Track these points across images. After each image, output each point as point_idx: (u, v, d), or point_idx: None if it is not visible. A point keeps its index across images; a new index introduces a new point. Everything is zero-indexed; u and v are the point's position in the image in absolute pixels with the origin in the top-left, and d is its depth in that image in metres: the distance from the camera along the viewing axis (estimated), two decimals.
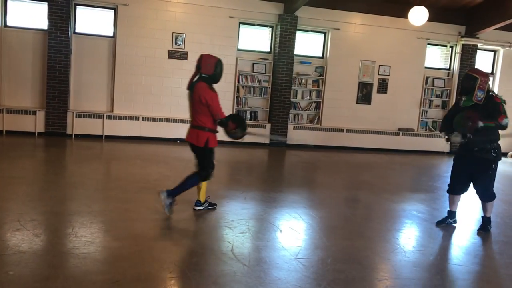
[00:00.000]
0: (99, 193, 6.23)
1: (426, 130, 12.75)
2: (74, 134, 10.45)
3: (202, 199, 5.59)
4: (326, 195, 7.17)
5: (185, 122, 10.97)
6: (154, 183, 6.73)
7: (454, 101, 12.55)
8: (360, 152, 11.78)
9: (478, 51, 12.61)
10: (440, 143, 12.68)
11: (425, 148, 12.53)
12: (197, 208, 5.56)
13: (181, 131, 11.00)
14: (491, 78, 13.21)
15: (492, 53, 13.16)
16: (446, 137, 5.62)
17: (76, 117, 10.44)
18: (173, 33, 10.83)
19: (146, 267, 3.85)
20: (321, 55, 12.00)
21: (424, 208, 6.67)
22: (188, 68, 10.98)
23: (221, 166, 9.14)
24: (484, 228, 5.67)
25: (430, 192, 7.93)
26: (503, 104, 5.31)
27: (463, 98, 5.40)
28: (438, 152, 12.62)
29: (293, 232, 5.11)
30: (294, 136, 11.61)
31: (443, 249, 5.07)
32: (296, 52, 11.48)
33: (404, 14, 10.66)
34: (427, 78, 12.57)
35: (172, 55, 10.90)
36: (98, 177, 7.32)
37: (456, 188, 5.65)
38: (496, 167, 5.48)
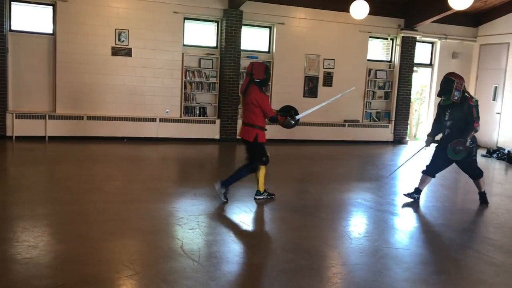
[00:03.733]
0: (42, 196, 6.02)
1: (370, 121, 13.14)
2: (15, 136, 10.01)
3: (261, 189, 6.16)
4: (275, 188, 7.23)
5: (132, 120, 10.79)
6: (100, 184, 6.59)
7: (396, 92, 13.07)
8: (308, 145, 11.99)
9: (417, 43, 13.10)
10: (384, 133, 13.15)
11: (370, 138, 12.91)
12: (258, 197, 6.15)
13: (128, 129, 10.84)
14: (429, 69, 13.80)
15: (430, 44, 13.73)
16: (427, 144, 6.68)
17: (16, 118, 10.00)
18: (116, 29, 10.58)
19: (93, 269, 3.77)
20: (267, 50, 12.09)
21: (369, 196, 6.89)
22: (132, 64, 10.80)
23: (170, 163, 9.09)
24: (484, 201, 6.51)
25: (375, 180, 8.19)
26: (476, 107, 6.02)
27: (442, 98, 6.21)
28: (382, 142, 13.05)
29: (244, 225, 5.15)
30: None
31: (387, 234, 5.26)
32: (243, 47, 11.50)
33: (346, 8, 10.90)
34: (370, 70, 12.94)
35: (115, 52, 10.65)
36: (41, 179, 7.06)
37: (431, 171, 6.44)
38: (475, 153, 6.32)
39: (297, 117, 6.17)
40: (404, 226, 5.63)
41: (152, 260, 4.05)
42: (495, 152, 11.51)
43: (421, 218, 5.98)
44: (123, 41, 10.65)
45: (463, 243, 5.03)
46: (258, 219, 5.46)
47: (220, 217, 5.40)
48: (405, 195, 6.69)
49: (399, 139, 13.25)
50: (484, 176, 6.49)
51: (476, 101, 6.13)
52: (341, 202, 6.54)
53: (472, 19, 13.45)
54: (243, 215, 5.53)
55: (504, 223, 5.90)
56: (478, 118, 6.05)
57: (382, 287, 3.73)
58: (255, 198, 6.16)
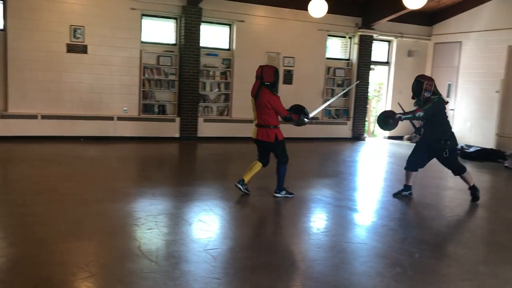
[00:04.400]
0: None
1: (329, 118, 13.33)
2: None
3: (246, 180, 6.33)
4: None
5: (89, 119, 10.53)
6: (54, 184, 6.40)
7: (354, 90, 13.30)
8: None
9: (374, 41, 13.39)
10: (343, 130, 13.36)
11: (329, 135, 13.10)
12: (238, 185, 6.30)
13: (84, 128, 10.56)
14: (386, 67, 14.11)
15: (387, 43, 14.06)
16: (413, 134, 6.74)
17: None
18: (71, 25, 10.29)
19: (47, 272, 3.66)
20: (227, 47, 12.06)
21: (328, 192, 7.00)
22: (89, 62, 10.53)
23: (129, 163, 8.92)
24: (475, 195, 6.59)
25: (334, 176, 8.32)
26: (435, 103, 6.22)
27: (415, 99, 6.46)
28: (341, 138, 13.26)
29: (203, 224, 5.12)
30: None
31: (345, 229, 5.35)
32: (202, 44, 11.43)
33: (304, 7, 10.98)
34: (328, 68, 13.12)
35: (71, 48, 10.36)
36: None
37: (414, 166, 6.66)
38: (452, 151, 6.50)
39: (310, 115, 6.44)
40: (362, 221, 5.75)
41: (108, 262, 3.97)
42: None
43: (377, 213, 6.10)
44: (79, 38, 10.37)
45: (418, 236, 5.17)
46: (218, 217, 5.43)
47: (179, 217, 5.35)
48: (394, 195, 6.76)
49: (357, 136, 13.51)
50: (468, 171, 6.58)
51: (438, 100, 6.30)
52: (300, 199, 6.59)
53: (427, 18, 13.85)
54: (203, 214, 5.49)
55: (456, 216, 6.12)
56: (424, 109, 6.20)
57: (340, 281, 3.79)
58: (235, 185, 6.35)
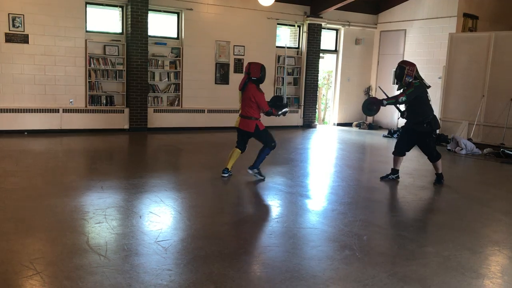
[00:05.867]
0: None
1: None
2: None
3: (229, 167, 6.84)
4: (187, 176, 7.20)
5: (32, 111, 10.10)
6: None
7: (304, 78, 13.45)
8: (221, 132, 11.99)
9: (322, 30, 13.56)
10: (294, 118, 13.49)
11: (281, 124, 13.16)
12: (224, 175, 6.81)
13: (28, 121, 10.13)
14: (334, 55, 14.34)
15: (335, 31, 14.27)
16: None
17: None
18: (9, 14, 9.80)
19: None
20: (176, 36, 11.87)
21: (280, 180, 7.06)
22: (30, 52, 10.09)
23: (76, 156, 8.65)
24: (439, 181, 6.99)
25: (286, 164, 8.41)
26: (416, 87, 6.48)
27: (398, 84, 6.74)
28: (292, 126, 13.40)
29: (154, 216, 5.04)
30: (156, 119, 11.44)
31: (296, 215, 5.42)
32: (150, 33, 11.19)
33: None
34: (279, 57, 13.19)
35: (10, 38, 9.87)
36: None
37: (400, 151, 6.99)
38: (433, 136, 6.87)
39: (284, 100, 7.16)
40: (312, 206, 5.84)
41: (55, 258, 3.84)
42: (396, 133, 12.29)
43: (328, 198, 6.23)
44: (18, 26, 9.90)
45: (366, 219, 5.32)
46: (169, 208, 5.37)
47: (128, 210, 5.25)
48: (381, 179, 7.10)
49: (308, 124, 13.69)
50: (441, 159, 6.94)
51: (419, 84, 6.55)
52: (253, 187, 6.63)
53: (373, 6, 14.17)
54: (154, 206, 5.41)
55: (402, 198, 6.34)
56: (407, 93, 6.49)
57: (291, 266, 3.84)
58: (222, 176, 6.80)
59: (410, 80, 6.55)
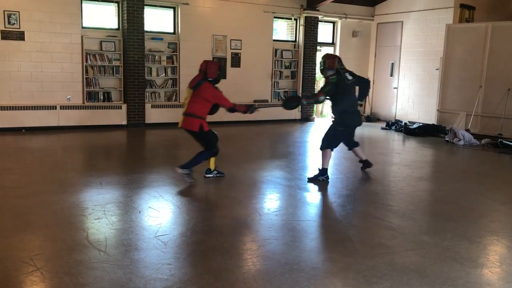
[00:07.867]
0: None
1: (279, 100, 13.40)
2: None
3: (212, 167, 6.44)
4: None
5: (30, 109, 10.08)
6: None
7: (302, 71, 13.45)
8: (219, 126, 11.95)
9: (319, 23, 13.53)
10: (293, 112, 13.47)
11: (279, 117, 13.19)
12: (207, 175, 6.43)
13: (26, 119, 10.12)
14: (331, 48, 14.31)
15: (332, 24, 14.24)
16: None
17: None
18: (4, 11, 9.76)
19: None
20: (172, 31, 11.84)
21: (279, 173, 7.07)
22: (27, 49, 10.05)
23: (74, 153, 8.65)
24: (318, 177, 6.55)
25: (284, 157, 8.42)
26: (331, 84, 6.35)
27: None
28: (291, 120, 13.41)
29: (153, 211, 5.05)
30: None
31: (295, 208, 5.42)
32: (147, 28, 11.16)
33: None
34: (276, 51, 13.16)
35: (6, 35, 9.83)
36: None
37: (346, 144, 7.02)
38: (336, 131, 6.63)
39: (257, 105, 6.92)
40: (311, 199, 5.86)
41: (54, 254, 3.85)
42: (394, 125, 12.30)
43: (326, 190, 6.24)
44: (14, 24, 9.86)
45: (364, 210, 5.34)
46: (168, 203, 5.38)
47: (128, 205, 5.25)
48: (362, 168, 7.19)
49: (306, 117, 13.69)
50: (329, 151, 6.65)
51: (336, 80, 6.34)
52: (252, 181, 6.64)
53: None
54: (153, 201, 5.42)
55: (400, 189, 6.35)
56: (324, 92, 6.43)
57: (290, 259, 3.85)
58: (204, 176, 6.44)
59: (331, 73, 6.38)
